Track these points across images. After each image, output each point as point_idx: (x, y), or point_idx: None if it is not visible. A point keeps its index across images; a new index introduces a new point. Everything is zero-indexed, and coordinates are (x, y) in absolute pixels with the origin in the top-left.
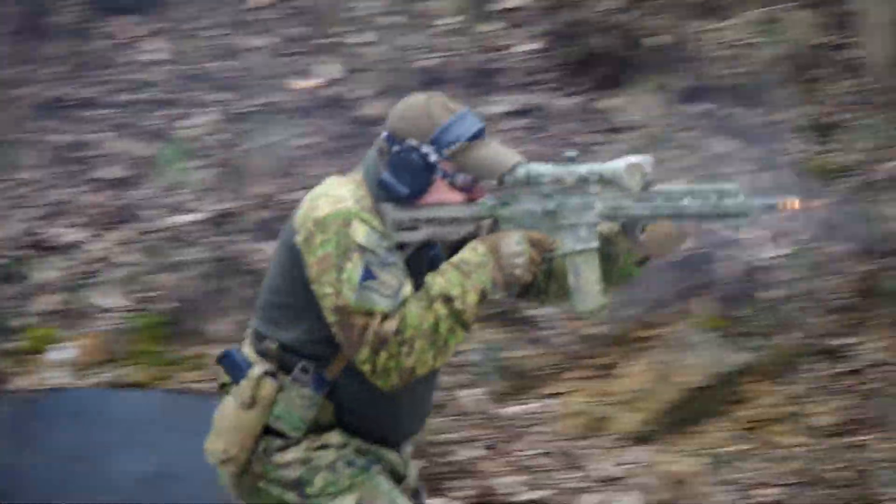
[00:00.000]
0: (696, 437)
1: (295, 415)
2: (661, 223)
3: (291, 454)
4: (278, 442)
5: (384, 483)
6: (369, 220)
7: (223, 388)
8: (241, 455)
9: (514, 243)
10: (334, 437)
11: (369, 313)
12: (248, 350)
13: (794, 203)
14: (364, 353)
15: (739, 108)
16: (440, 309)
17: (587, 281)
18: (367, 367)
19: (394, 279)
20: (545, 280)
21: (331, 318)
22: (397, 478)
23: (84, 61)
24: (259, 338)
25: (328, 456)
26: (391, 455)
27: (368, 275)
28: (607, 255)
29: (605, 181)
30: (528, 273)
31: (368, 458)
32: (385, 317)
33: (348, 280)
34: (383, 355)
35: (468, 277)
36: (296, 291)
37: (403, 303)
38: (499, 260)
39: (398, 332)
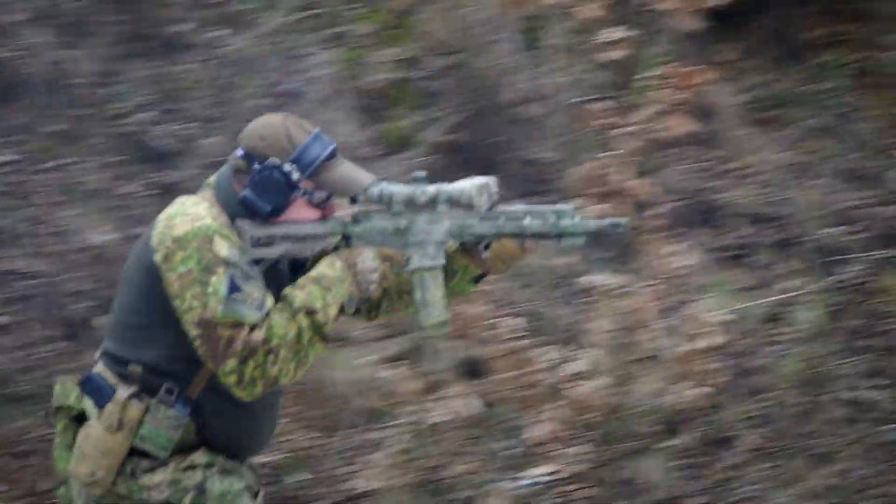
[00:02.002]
0: None
1: (162, 435)
2: (503, 241)
3: (160, 476)
4: (145, 463)
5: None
6: (229, 236)
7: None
8: (107, 477)
9: (369, 260)
10: (200, 456)
11: (237, 324)
12: (104, 373)
13: (624, 223)
14: (231, 363)
15: None
16: (303, 321)
17: (433, 296)
18: (232, 378)
19: (257, 291)
20: (378, 298)
21: (194, 331)
22: (254, 494)
23: None
24: (117, 361)
25: (196, 476)
26: (248, 473)
27: (234, 287)
28: (446, 271)
29: (454, 201)
30: (380, 289)
31: (233, 477)
32: (253, 327)
33: (214, 293)
34: (251, 364)
35: (328, 291)
36: (154, 310)
37: (268, 314)
38: (356, 276)
39: (265, 341)
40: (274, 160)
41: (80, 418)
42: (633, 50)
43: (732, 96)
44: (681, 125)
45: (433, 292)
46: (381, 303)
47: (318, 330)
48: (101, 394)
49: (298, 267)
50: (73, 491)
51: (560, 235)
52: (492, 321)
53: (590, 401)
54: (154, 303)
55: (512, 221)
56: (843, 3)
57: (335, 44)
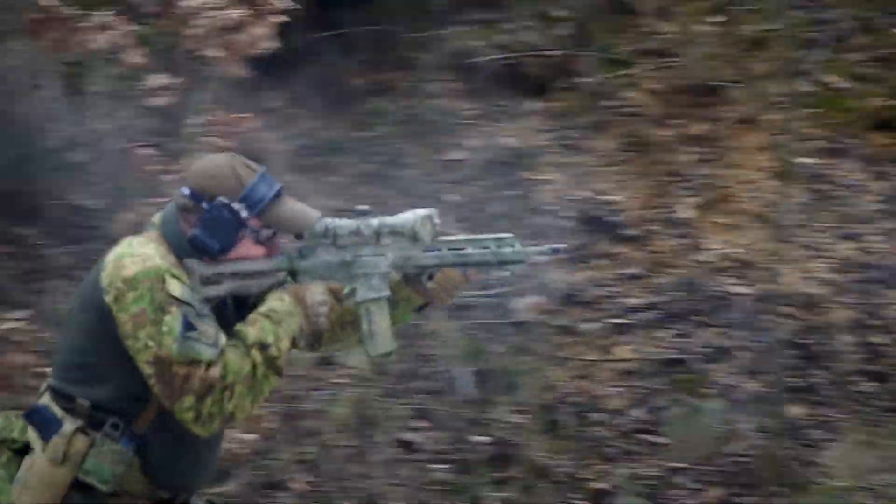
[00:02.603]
0: None
1: (106, 469)
2: (446, 271)
3: None
4: (87, 500)
5: None
6: (180, 276)
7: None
8: None
9: (318, 293)
10: None
11: (193, 362)
12: (51, 406)
13: (563, 248)
14: (188, 401)
15: None
16: (256, 356)
17: (379, 327)
18: (189, 415)
19: (211, 329)
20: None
21: (148, 370)
22: None
23: None
24: (62, 397)
25: None
26: None
27: (189, 326)
28: (390, 302)
29: (397, 233)
30: (328, 322)
31: None
32: (209, 364)
33: (169, 332)
34: (209, 401)
35: (280, 325)
36: (103, 350)
37: (223, 351)
38: (305, 309)
39: (222, 378)
40: (223, 199)
41: (23, 451)
42: (180, 96)
43: (280, 143)
44: None
45: (379, 323)
46: (322, 334)
47: (271, 364)
48: (47, 426)
49: (242, 304)
50: None
51: (502, 263)
52: (38, 370)
53: None
54: (103, 343)
55: (454, 251)
56: (387, 52)
57: None
